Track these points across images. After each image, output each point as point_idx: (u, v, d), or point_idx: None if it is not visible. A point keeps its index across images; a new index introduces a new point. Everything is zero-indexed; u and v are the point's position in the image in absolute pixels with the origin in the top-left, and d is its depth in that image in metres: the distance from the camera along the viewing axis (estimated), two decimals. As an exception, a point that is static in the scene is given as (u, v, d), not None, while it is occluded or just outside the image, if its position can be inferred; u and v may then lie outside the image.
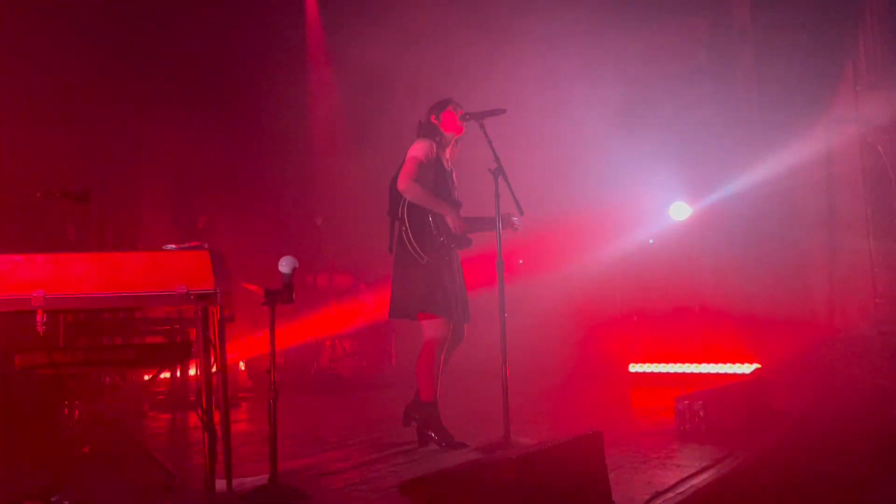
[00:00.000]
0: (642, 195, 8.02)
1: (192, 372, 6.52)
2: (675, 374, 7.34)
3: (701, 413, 4.43)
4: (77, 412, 4.31)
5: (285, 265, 3.36)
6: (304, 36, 10.04)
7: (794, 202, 7.76)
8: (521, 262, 8.96)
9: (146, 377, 6.79)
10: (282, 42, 9.19)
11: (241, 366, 8.15)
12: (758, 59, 7.95)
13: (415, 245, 4.35)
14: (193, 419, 5.88)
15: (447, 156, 4.66)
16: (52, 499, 3.18)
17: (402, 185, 4.36)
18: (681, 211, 7.90)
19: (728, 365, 7.06)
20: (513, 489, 2.65)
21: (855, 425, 5.07)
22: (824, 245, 7.66)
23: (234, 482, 3.33)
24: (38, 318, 3.02)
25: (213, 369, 3.27)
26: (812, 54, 7.49)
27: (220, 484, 3.23)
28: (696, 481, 3.41)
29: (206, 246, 3.20)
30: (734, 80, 8.02)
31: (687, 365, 7.31)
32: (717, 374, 7.04)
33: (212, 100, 8.29)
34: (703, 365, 7.20)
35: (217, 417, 3.22)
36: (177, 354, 3.53)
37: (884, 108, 7.52)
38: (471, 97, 5.03)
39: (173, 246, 3.20)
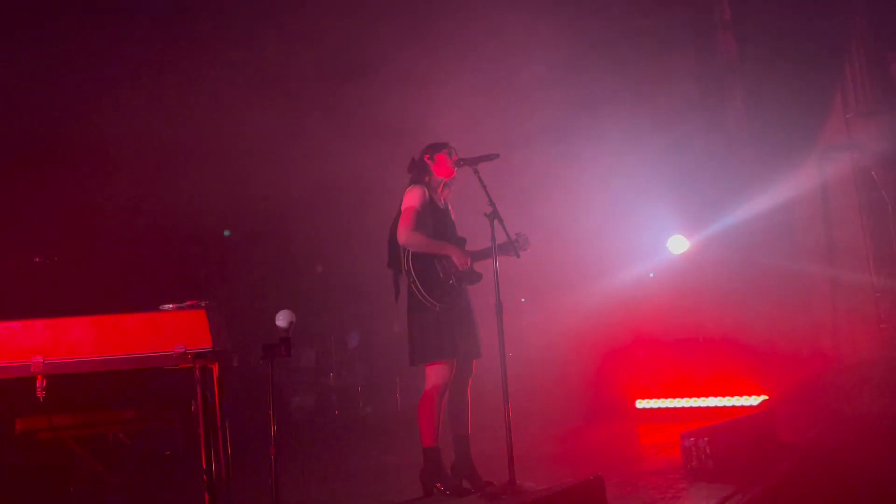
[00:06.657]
0: (640, 229, 8.03)
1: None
2: (683, 409, 7.27)
3: (707, 449, 4.38)
4: (80, 474, 4.29)
5: (282, 319, 3.34)
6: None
7: (793, 232, 7.77)
8: (523, 300, 8.95)
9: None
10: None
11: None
12: (747, 92, 8.03)
13: (425, 295, 4.34)
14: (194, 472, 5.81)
15: (439, 195, 4.68)
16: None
17: (403, 238, 4.37)
18: (679, 244, 7.90)
19: (735, 398, 7.00)
20: (516, 539, 2.62)
21: (863, 455, 5.00)
22: (826, 274, 7.65)
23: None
24: (38, 383, 3.03)
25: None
26: (800, 85, 7.57)
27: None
28: (704, 522, 3.37)
29: (203, 304, 3.21)
30: (725, 113, 8.09)
31: (694, 399, 7.25)
32: (725, 408, 6.98)
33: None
34: (711, 399, 7.13)
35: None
36: (177, 413, 3.52)
37: (875, 134, 7.59)
38: (467, 139, 5.07)
39: (171, 305, 3.21)
